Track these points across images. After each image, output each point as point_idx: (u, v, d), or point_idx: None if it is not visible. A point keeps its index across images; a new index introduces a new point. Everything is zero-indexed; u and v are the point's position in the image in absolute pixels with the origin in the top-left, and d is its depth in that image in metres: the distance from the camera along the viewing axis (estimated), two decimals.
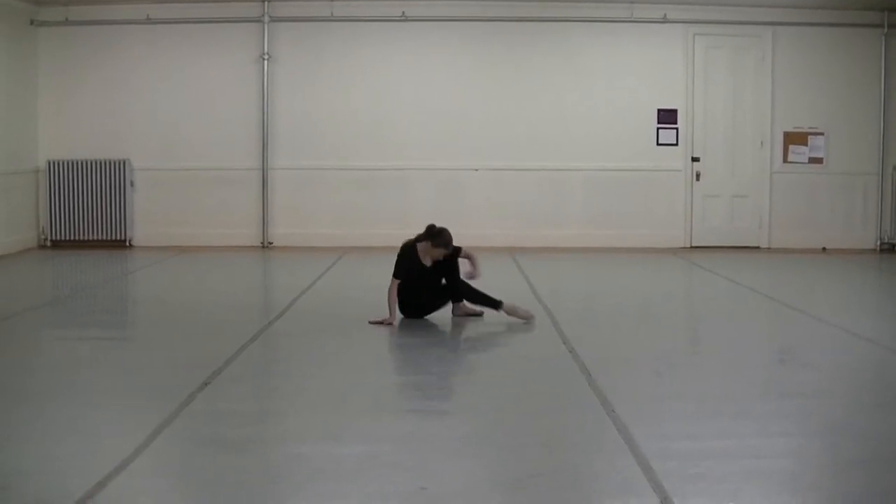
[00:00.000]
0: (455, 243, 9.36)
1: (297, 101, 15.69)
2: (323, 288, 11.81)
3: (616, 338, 9.08)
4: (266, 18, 15.52)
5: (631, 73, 15.74)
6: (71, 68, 15.66)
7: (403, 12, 15.45)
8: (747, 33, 15.79)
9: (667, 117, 15.81)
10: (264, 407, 6.70)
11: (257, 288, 13.21)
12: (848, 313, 10.52)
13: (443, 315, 9.35)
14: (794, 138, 15.90)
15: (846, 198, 16.01)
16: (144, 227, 15.76)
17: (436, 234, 9.31)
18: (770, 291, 11.91)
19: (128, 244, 15.67)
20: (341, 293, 11.54)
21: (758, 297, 11.60)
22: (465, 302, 9.42)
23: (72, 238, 15.58)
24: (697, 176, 15.87)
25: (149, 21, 15.47)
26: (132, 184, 15.65)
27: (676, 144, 15.84)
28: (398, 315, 9.21)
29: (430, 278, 9.32)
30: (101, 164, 15.53)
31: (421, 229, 9.40)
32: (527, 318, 9.21)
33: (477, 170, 15.62)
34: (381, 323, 9.14)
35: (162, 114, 15.66)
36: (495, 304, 9.20)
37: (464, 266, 9.46)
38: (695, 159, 15.86)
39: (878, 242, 15.94)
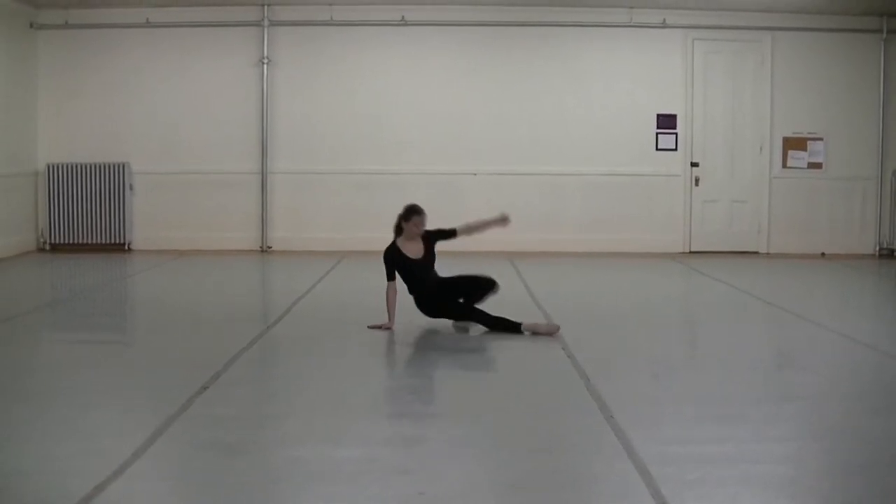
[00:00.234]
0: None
1: (296, 104, 15.70)
2: (322, 292, 11.81)
3: (614, 342, 9.07)
4: (266, 22, 15.53)
5: (630, 77, 15.75)
6: (70, 72, 15.67)
7: (403, 16, 15.47)
8: (746, 38, 15.80)
9: (666, 122, 15.83)
10: (263, 410, 6.70)
11: (256, 291, 13.21)
12: (846, 318, 10.55)
13: (436, 320, 9.34)
14: (793, 143, 15.92)
15: (845, 203, 16.02)
16: (143, 230, 15.77)
17: (404, 213, 9.26)
18: (769, 296, 11.92)
19: (127, 248, 15.67)
20: (340, 297, 11.55)
21: (756, 302, 11.60)
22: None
23: (71, 241, 15.59)
24: (696, 181, 15.88)
25: (148, 24, 15.48)
26: (131, 187, 15.66)
27: (675, 149, 15.85)
28: (417, 317, 9.25)
29: (422, 268, 9.22)
30: (100, 167, 15.54)
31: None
32: (551, 332, 8.98)
33: (476, 174, 15.63)
34: (380, 328, 9.14)
35: (161, 117, 15.68)
36: (515, 327, 9.00)
37: (488, 228, 9.63)
38: (694, 164, 15.87)
39: (877, 248, 15.95)
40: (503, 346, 8.68)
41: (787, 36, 15.77)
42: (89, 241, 15.60)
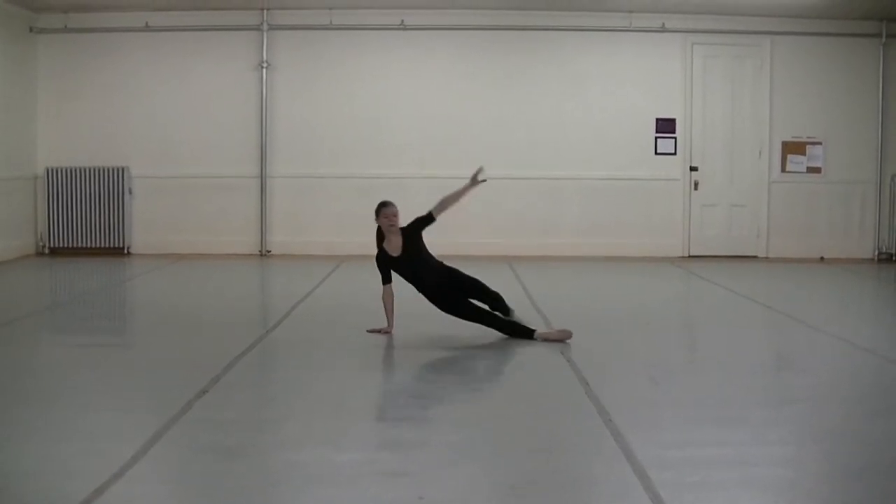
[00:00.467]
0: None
1: (295, 108, 15.72)
2: (321, 296, 11.82)
3: (614, 346, 9.07)
4: (265, 26, 15.55)
5: (629, 82, 15.77)
6: (70, 75, 15.69)
7: (402, 21, 15.48)
8: (745, 42, 15.83)
9: (665, 126, 15.84)
10: (262, 414, 6.69)
11: (255, 295, 13.21)
12: (845, 322, 10.56)
13: (441, 321, 9.32)
14: (792, 148, 15.93)
15: (844, 207, 16.04)
16: (143, 234, 15.78)
17: (376, 210, 9.17)
18: (768, 300, 11.93)
19: (126, 251, 15.68)
20: (340, 301, 11.55)
21: (755, 306, 11.61)
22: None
23: (70, 245, 15.59)
24: (696, 185, 15.89)
25: (148, 29, 15.50)
26: (131, 191, 15.67)
27: (675, 153, 15.86)
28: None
29: (408, 263, 9.06)
30: (99, 171, 15.55)
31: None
32: (563, 339, 8.86)
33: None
34: (379, 332, 9.14)
35: (161, 121, 15.69)
36: (528, 333, 8.90)
37: (465, 194, 9.46)
38: (693, 168, 15.88)
39: (876, 252, 15.96)
40: (503, 351, 8.67)
41: (786, 40, 15.79)
42: (88, 245, 15.61)
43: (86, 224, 15.59)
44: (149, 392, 7.09)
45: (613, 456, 5.61)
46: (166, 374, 7.64)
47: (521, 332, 8.91)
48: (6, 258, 14.60)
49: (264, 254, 15.74)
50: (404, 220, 9.19)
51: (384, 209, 9.08)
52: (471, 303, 9.01)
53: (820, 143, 15.91)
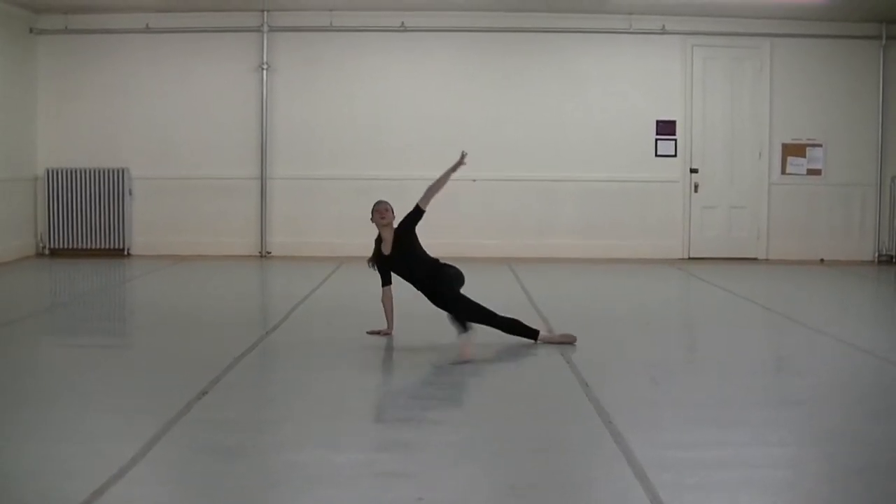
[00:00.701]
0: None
1: (295, 110, 15.72)
2: (321, 297, 11.82)
3: (613, 347, 9.07)
4: (265, 28, 15.56)
5: (629, 84, 15.78)
6: (70, 76, 15.70)
7: (402, 22, 15.49)
8: (745, 44, 15.84)
9: (665, 128, 15.85)
10: (262, 415, 6.69)
11: (255, 297, 13.21)
12: (845, 324, 10.56)
13: (441, 322, 9.30)
14: (792, 149, 15.94)
15: (844, 209, 16.04)
16: (142, 235, 15.78)
17: (371, 211, 9.14)
18: (767, 302, 11.93)
19: (126, 253, 15.68)
20: (339, 302, 11.54)
21: (755, 308, 11.61)
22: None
23: (70, 246, 15.60)
24: (696, 187, 15.90)
25: (148, 30, 15.50)
26: (131, 192, 15.67)
27: (675, 155, 15.87)
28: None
29: (400, 261, 8.92)
30: (99, 172, 15.56)
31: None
32: (566, 342, 8.76)
33: (475, 180, 15.60)
34: (378, 333, 9.14)
35: (161, 123, 15.70)
36: (533, 334, 8.78)
37: (449, 178, 9.21)
38: (693, 170, 15.89)
39: (876, 254, 15.97)
40: (502, 351, 8.67)
41: (786, 42, 15.80)
42: (88, 246, 15.61)
43: (86, 225, 15.60)
44: (149, 393, 7.09)
45: (613, 457, 5.61)
46: (166, 375, 7.64)
47: (522, 332, 8.77)
48: (6, 259, 14.61)
49: (264, 255, 15.74)
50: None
51: (376, 206, 9.08)
52: (470, 299, 8.76)
53: (820, 145, 15.91)
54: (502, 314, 8.77)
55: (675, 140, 15.86)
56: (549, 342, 8.78)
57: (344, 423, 6.38)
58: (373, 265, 9.10)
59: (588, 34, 15.69)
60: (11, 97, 14.99)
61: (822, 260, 15.81)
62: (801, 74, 15.88)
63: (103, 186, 15.58)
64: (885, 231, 15.96)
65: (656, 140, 15.86)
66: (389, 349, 8.83)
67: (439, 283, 8.68)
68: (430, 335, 9.20)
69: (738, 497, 5.05)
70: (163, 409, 6.46)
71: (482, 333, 8.93)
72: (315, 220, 15.76)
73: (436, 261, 8.99)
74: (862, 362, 8.54)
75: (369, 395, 7.29)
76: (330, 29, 15.56)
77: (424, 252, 9.03)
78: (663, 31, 15.64)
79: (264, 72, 15.61)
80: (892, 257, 15.90)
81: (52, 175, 15.53)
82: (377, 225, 9.05)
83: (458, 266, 9.01)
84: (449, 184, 15.17)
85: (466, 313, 8.52)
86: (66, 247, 15.62)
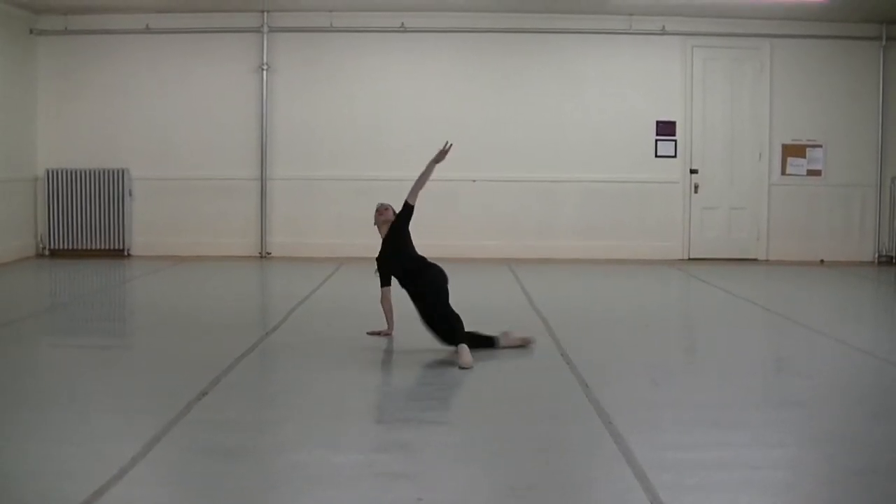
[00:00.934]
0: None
1: (295, 111, 15.73)
2: (321, 298, 11.81)
3: (613, 348, 9.07)
4: (265, 29, 15.56)
5: (629, 84, 15.78)
6: (70, 77, 15.70)
7: (402, 23, 15.49)
8: (745, 45, 15.84)
9: (665, 129, 15.85)
10: (262, 416, 6.69)
11: (255, 297, 13.20)
12: (845, 325, 10.56)
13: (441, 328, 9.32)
14: (792, 150, 15.94)
15: (844, 210, 16.05)
16: (142, 236, 15.78)
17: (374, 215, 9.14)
18: (767, 303, 11.93)
19: (126, 253, 15.69)
20: (339, 303, 11.54)
21: (755, 309, 11.60)
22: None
23: (70, 247, 15.60)
24: (696, 188, 15.90)
25: (148, 31, 15.50)
26: (131, 193, 15.67)
27: (675, 156, 15.87)
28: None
29: (391, 253, 8.83)
30: (99, 172, 15.56)
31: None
32: (525, 343, 8.75)
33: (475, 181, 15.64)
34: (379, 334, 9.14)
35: (161, 123, 15.70)
36: (491, 342, 8.65)
37: (433, 170, 8.93)
38: (693, 171, 15.89)
39: (876, 255, 15.97)
40: (502, 352, 8.67)
41: (785, 43, 15.80)
42: (88, 247, 15.61)
43: (86, 226, 15.60)
44: (149, 393, 7.09)
45: (613, 458, 5.62)
46: (166, 376, 7.64)
47: (455, 335, 8.39)
48: (6, 260, 14.61)
49: (264, 255, 15.75)
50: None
51: (377, 206, 9.09)
52: (448, 305, 8.59)
53: (820, 146, 15.92)
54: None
55: (675, 141, 15.86)
56: (509, 345, 8.65)
57: (344, 424, 6.38)
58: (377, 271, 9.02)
59: (588, 35, 15.69)
60: (11, 98, 15.00)
61: (822, 261, 15.81)
62: (801, 75, 15.89)
63: (103, 187, 15.58)
64: (885, 232, 15.96)
65: (656, 141, 15.86)
66: (389, 350, 8.83)
67: (438, 299, 8.61)
68: (429, 336, 9.19)
69: (737, 498, 5.05)
70: (163, 409, 6.46)
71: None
72: (315, 220, 15.77)
73: (423, 259, 8.92)
74: (862, 363, 8.54)
75: (369, 396, 7.30)
76: (330, 29, 15.56)
77: (415, 250, 8.96)
78: (663, 32, 15.64)
79: (264, 72, 15.61)
80: (892, 258, 15.90)
81: (52, 175, 15.53)
82: (378, 223, 9.05)
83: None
84: (449, 184, 15.40)
85: (444, 316, 8.49)
86: (66, 247, 15.62)
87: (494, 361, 8.33)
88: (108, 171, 15.58)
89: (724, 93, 15.90)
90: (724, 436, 6.17)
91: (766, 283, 14.10)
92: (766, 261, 15.96)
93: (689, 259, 15.91)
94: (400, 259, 8.85)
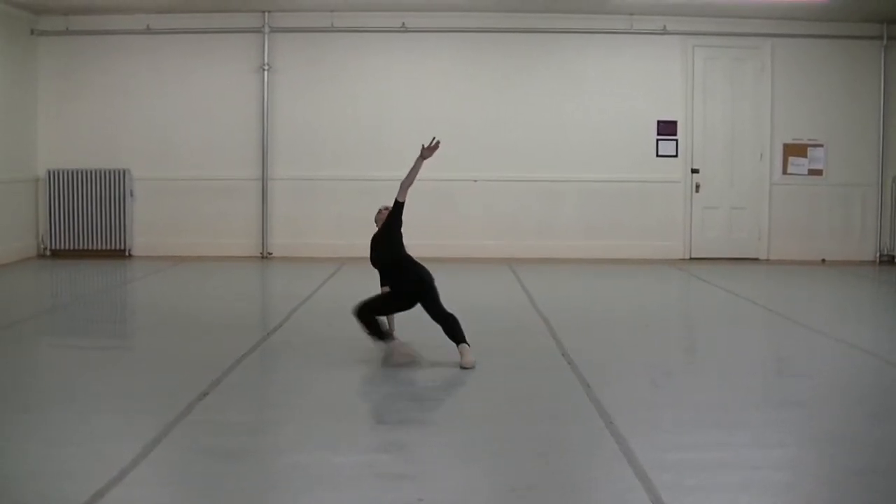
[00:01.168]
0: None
1: (297, 111, 15.72)
2: (322, 298, 11.81)
3: (614, 348, 9.07)
4: (266, 29, 15.56)
5: (630, 84, 15.77)
6: (71, 78, 15.69)
7: (403, 23, 15.49)
8: (746, 45, 15.83)
9: (666, 129, 15.84)
10: (262, 416, 6.70)
11: (256, 298, 13.21)
12: (846, 325, 10.56)
13: (437, 326, 9.30)
14: (793, 150, 15.93)
15: (846, 209, 16.03)
16: (144, 236, 15.78)
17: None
18: (768, 303, 11.92)
19: (127, 254, 15.69)
20: (340, 303, 11.46)
21: (756, 309, 11.60)
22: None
23: (71, 247, 15.60)
24: (697, 187, 15.89)
25: (149, 31, 15.50)
26: (132, 193, 15.67)
27: (676, 156, 15.86)
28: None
29: (385, 253, 8.65)
30: (100, 173, 15.56)
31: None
32: (465, 365, 8.16)
33: (476, 181, 15.64)
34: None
35: (162, 123, 15.70)
36: (382, 336, 8.34)
37: (420, 167, 8.81)
38: (694, 171, 15.88)
39: (878, 254, 15.96)
40: (503, 352, 8.67)
41: (786, 42, 15.79)
42: (90, 248, 15.62)
43: (87, 226, 15.60)
44: (149, 394, 7.09)
45: (614, 458, 5.62)
46: (167, 377, 7.65)
47: (455, 334, 8.30)
48: (7, 260, 14.61)
49: (265, 256, 15.75)
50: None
51: (380, 208, 9.05)
52: (440, 305, 8.47)
53: (821, 146, 15.91)
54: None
55: (676, 140, 15.86)
56: (462, 354, 8.23)
57: (345, 425, 6.39)
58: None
59: (589, 35, 15.68)
60: (12, 98, 15.00)
61: (823, 260, 15.80)
62: (802, 75, 15.88)
63: (104, 187, 15.58)
64: (886, 231, 15.95)
65: (657, 140, 15.85)
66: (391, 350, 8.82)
67: (425, 302, 8.56)
68: (430, 336, 9.19)
69: (738, 498, 5.06)
70: (164, 410, 6.47)
71: (484, 335, 8.94)
72: (316, 221, 15.76)
73: (409, 258, 8.80)
74: (862, 363, 8.54)
75: (370, 397, 7.30)
76: (331, 30, 15.56)
77: (403, 249, 8.83)
78: (664, 32, 15.63)
79: (265, 73, 15.61)
80: (893, 258, 15.89)
81: (53, 176, 15.53)
82: (378, 224, 9.02)
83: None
84: (449, 184, 15.39)
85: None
86: (67, 248, 15.62)
87: (496, 362, 8.33)
88: (110, 172, 15.58)
89: (724, 92, 15.89)
90: (724, 436, 6.17)
91: (766, 283, 14.10)
92: (767, 260, 15.95)
93: (691, 259, 15.90)
94: (380, 255, 8.74)
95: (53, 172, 15.53)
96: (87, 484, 5.05)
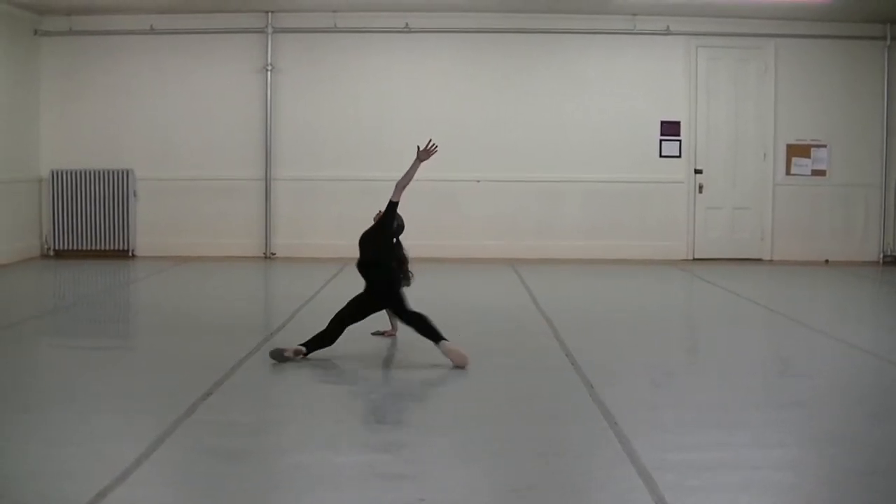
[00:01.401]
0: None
1: (300, 111, 15.73)
2: (325, 299, 11.78)
3: (618, 349, 9.08)
4: (269, 29, 15.57)
5: (633, 84, 15.76)
6: (74, 78, 15.71)
7: (406, 23, 15.49)
8: (750, 45, 15.82)
9: (669, 129, 15.84)
10: (265, 417, 6.71)
11: (259, 298, 13.22)
12: (848, 325, 10.56)
13: (444, 324, 9.30)
14: (796, 150, 15.92)
15: (849, 210, 16.02)
16: (147, 236, 15.79)
17: None
18: (771, 303, 11.92)
19: (130, 254, 15.70)
20: (343, 304, 11.51)
21: (758, 309, 11.61)
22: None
23: (74, 247, 15.61)
24: (700, 188, 15.89)
25: (152, 31, 15.52)
26: (135, 193, 15.68)
27: (679, 156, 15.86)
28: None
29: (370, 251, 8.68)
30: (104, 173, 15.57)
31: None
32: (459, 364, 8.10)
33: (479, 181, 15.64)
34: (383, 334, 9.15)
35: (165, 124, 15.71)
36: (437, 337, 8.24)
37: (416, 169, 8.86)
38: (697, 171, 15.88)
39: (881, 255, 15.95)
40: (505, 353, 8.68)
41: (790, 43, 15.79)
42: (93, 248, 15.63)
43: (90, 226, 15.62)
44: (152, 394, 7.11)
45: (617, 458, 5.63)
46: (170, 377, 7.66)
47: (429, 333, 8.27)
48: (11, 260, 14.63)
49: (268, 256, 15.76)
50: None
51: (379, 211, 9.05)
52: (405, 309, 8.46)
53: (825, 146, 15.90)
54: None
55: (680, 141, 15.86)
56: (447, 354, 8.14)
57: (346, 425, 6.40)
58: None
59: (591, 35, 15.68)
60: (15, 98, 15.02)
61: (826, 261, 15.79)
62: (806, 75, 15.87)
63: (108, 188, 15.60)
64: (889, 232, 15.93)
65: (660, 141, 15.85)
66: (392, 350, 8.84)
67: (389, 306, 8.60)
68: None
69: (739, 499, 5.06)
70: (167, 410, 6.48)
71: (486, 336, 8.95)
72: (319, 221, 15.75)
73: (389, 264, 8.75)
74: (863, 363, 8.54)
75: (372, 397, 7.31)
76: (334, 30, 15.56)
77: (384, 252, 8.77)
78: (667, 32, 15.63)
79: (268, 73, 15.62)
80: None
81: (57, 176, 15.55)
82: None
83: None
84: (451, 185, 15.39)
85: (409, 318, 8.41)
86: (70, 248, 15.64)
87: (498, 362, 8.34)
88: (113, 172, 15.60)
89: (728, 93, 15.89)
90: (725, 436, 6.18)
91: (769, 284, 14.10)
92: (771, 261, 15.94)
93: (694, 259, 15.90)
94: (363, 253, 8.72)
95: (57, 173, 15.55)
96: (91, 484, 5.06)
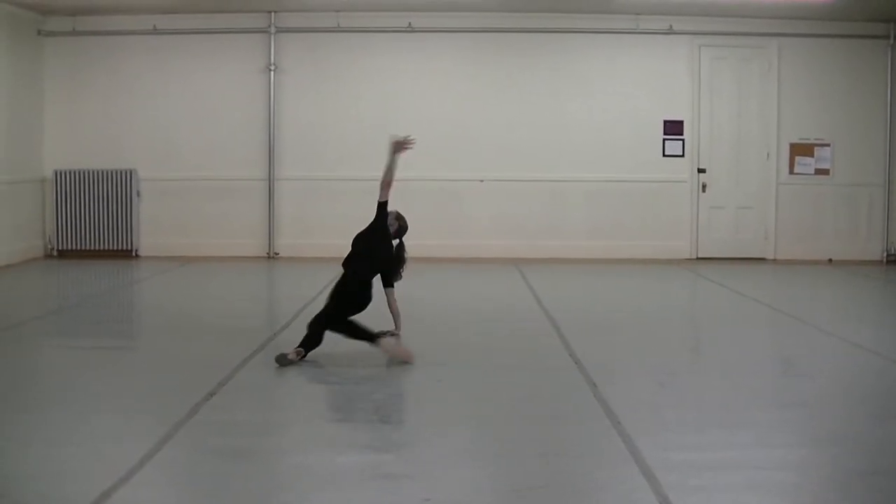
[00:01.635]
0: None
1: (303, 111, 15.73)
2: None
3: (621, 348, 9.08)
4: (273, 29, 15.57)
5: (636, 84, 15.75)
6: (78, 78, 15.72)
7: (409, 23, 15.49)
8: (753, 44, 15.81)
9: (673, 128, 15.83)
10: (268, 417, 6.71)
11: (263, 298, 13.22)
12: (851, 324, 10.54)
13: (445, 323, 9.34)
14: (800, 149, 15.91)
15: (852, 209, 16.01)
16: (151, 236, 15.80)
17: None
18: (774, 303, 11.92)
19: (134, 254, 15.71)
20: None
21: (762, 308, 11.60)
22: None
23: (78, 248, 15.62)
24: (703, 187, 15.88)
25: (155, 31, 15.52)
26: (138, 193, 15.69)
27: (682, 156, 15.85)
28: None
29: (363, 250, 8.87)
30: (107, 173, 15.58)
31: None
32: (405, 359, 8.26)
33: (482, 181, 15.64)
34: (386, 334, 9.13)
35: (168, 124, 15.71)
36: (371, 338, 8.32)
37: (396, 163, 8.93)
38: (700, 170, 15.87)
39: (885, 254, 15.93)
40: (508, 353, 8.68)
41: (793, 42, 15.78)
42: (96, 248, 15.64)
43: (94, 227, 15.63)
44: (156, 395, 7.11)
45: (621, 458, 5.63)
46: (173, 377, 7.67)
47: (362, 335, 8.37)
48: (14, 260, 14.64)
49: (272, 256, 15.76)
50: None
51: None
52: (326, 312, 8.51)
53: (828, 145, 15.89)
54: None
55: (683, 140, 15.85)
56: (390, 352, 8.29)
57: (349, 425, 6.41)
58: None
59: (595, 34, 15.67)
60: (19, 99, 15.03)
61: (830, 260, 15.78)
62: (809, 74, 15.86)
63: (111, 188, 15.61)
64: (893, 231, 15.91)
65: (664, 140, 15.84)
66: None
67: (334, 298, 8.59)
68: (436, 336, 9.22)
69: (742, 498, 5.07)
70: (170, 411, 6.49)
71: (490, 335, 8.95)
72: (323, 221, 15.74)
73: (354, 263, 8.78)
74: (867, 363, 8.53)
75: (376, 397, 7.30)
76: (337, 30, 15.57)
77: (370, 254, 8.79)
78: (670, 32, 15.62)
79: (272, 73, 15.63)
80: None
81: (60, 176, 15.56)
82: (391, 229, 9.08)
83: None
84: (455, 184, 15.39)
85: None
86: (74, 248, 15.65)
87: (502, 362, 8.34)
88: (116, 172, 15.60)
89: (731, 92, 15.88)
90: (729, 436, 6.18)
91: (773, 283, 14.09)
92: (774, 260, 15.93)
93: (697, 259, 15.89)
94: (353, 250, 8.77)
95: (60, 173, 15.56)
96: (94, 484, 5.07)
